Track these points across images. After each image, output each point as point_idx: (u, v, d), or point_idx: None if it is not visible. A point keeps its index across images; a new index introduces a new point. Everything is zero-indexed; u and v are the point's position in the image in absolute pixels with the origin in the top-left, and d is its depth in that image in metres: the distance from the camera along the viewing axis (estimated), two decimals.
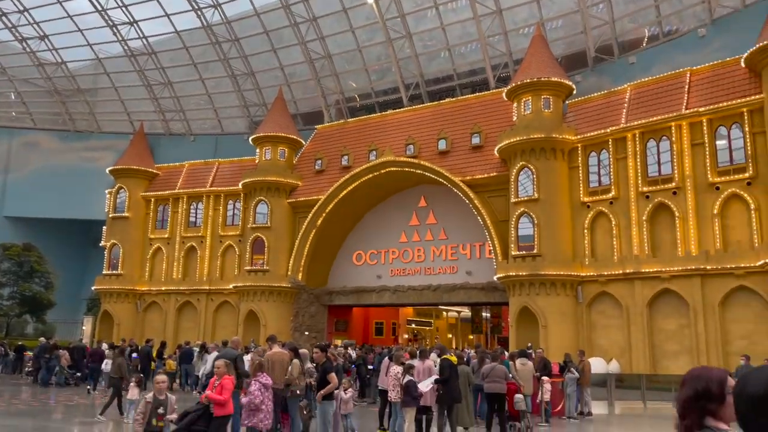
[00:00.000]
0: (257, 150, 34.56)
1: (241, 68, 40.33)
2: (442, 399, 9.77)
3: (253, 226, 33.24)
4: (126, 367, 14.68)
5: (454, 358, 10.16)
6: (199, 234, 35.76)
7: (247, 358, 10.15)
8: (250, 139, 35.21)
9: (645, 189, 24.42)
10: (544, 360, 14.20)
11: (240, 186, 34.26)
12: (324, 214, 32.08)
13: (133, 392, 12.88)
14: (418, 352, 11.14)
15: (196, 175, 37.11)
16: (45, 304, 40.84)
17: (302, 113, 41.15)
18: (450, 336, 42.47)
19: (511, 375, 12.08)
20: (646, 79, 26.22)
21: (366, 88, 39.10)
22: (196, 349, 22.41)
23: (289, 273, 32.33)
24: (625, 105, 25.80)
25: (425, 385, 9.80)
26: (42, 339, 25.91)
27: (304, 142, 35.30)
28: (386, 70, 38.51)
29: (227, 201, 35.65)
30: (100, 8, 38.73)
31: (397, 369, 10.17)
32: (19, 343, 30.60)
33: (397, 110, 34.52)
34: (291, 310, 32.75)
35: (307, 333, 32.01)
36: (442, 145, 30.28)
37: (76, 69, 44.29)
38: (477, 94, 32.67)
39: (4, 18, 40.31)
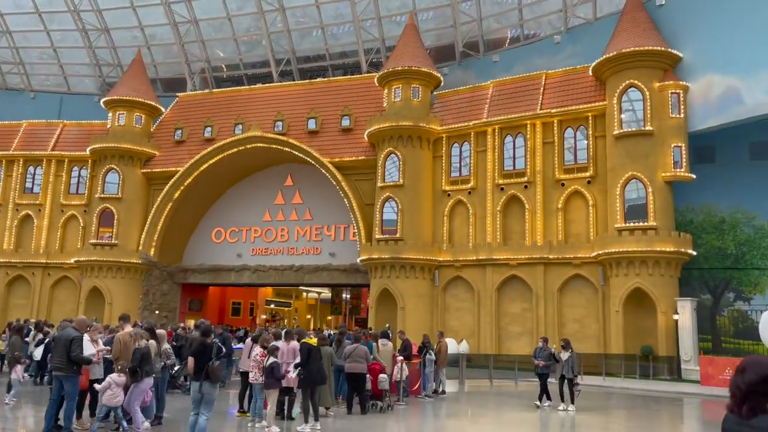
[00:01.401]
0: (110, 114, 31.88)
1: (94, 23, 36.78)
2: (304, 382, 9.68)
3: (102, 196, 30.71)
4: None
5: (313, 341, 10.10)
6: (37, 202, 32.34)
7: (84, 339, 9.26)
8: (102, 101, 32.38)
9: (500, 181, 25.97)
10: (406, 342, 14.61)
11: (88, 152, 31.45)
12: (182, 188, 30.48)
13: None
14: (283, 333, 10.91)
15: (36, 136, 33.45)
16: None
17: (163, 78, 38.53)
18: (309, 317, 42.53)
19: (372, 356, 12.27)
20: (507, 77, 27.78)
21: (234, 59, 37.49)
22: (31, 329, 20.26)
23: (140, 248, 30.36)
24: (488, 101, 27.18)
25: (293, 369, 9.67)
26: None
27: (163, 110, 33.16)
28: (256, 42, 37.16)
29: (71, 167, 32.57)
30: None
31: (258, 351, 9.87)
32: None
33: (266, 85, 33.56)
34: (141, 287, 30.83)
35: (158, 312, 30.35)
36: (311, 124, 29.95)
37: None
38: (349, 76, 32.67)
39: None
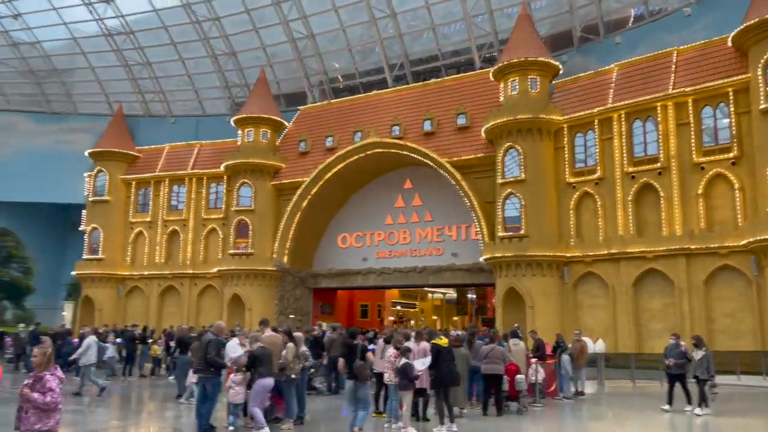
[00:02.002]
0: (239, 132, 34.01)
1: (222, 48, 39.54)
2: (436, 383, 9.68)
3: (237, 209, 32.82)
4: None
5: (443, 342, 10.06)
6: (182, 217, 35.24)
7: (233, 342, 9.91)
8: (231, 120, 34.63)
9: (630, 169, 24.45)
10: (539, 341, 14.17)
11: (222, 168, 33.75)
12: (309, 197, 31.75)
13: None
14: (413, 334, 11.00)
15: (177, 158, 36.47)
16: (24, 290, 40.10)
17: (285, 94, 40.55)
18: (435, 318, 42.64)
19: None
20: (632, 59, 26.14)
21: (350, 69, 38.59)
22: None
23: (274, 256, 32.04)
24: (612, 85, 25.73)
25: (421, 363, 9.66)
26: (21, 325, 25.42)
27: (287, 124, 34.82)
28: (370, 50, 38.01)
29: (210, 184, 35.12)
30: None
31: (391, 352, 10.01)
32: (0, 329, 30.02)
33: (381, 91, 34.14)
34: (276, 293, 32.51)
35: (292, 316, 31.83)
36: (427, 126, 30.03)
37: (52, 49, 43.06)
38: (462, 74, 32.39)
39: None
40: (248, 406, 9.69)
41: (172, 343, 20.50)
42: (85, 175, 37.36)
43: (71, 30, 40.93)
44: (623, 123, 24.73)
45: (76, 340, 21.16)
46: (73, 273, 36.76)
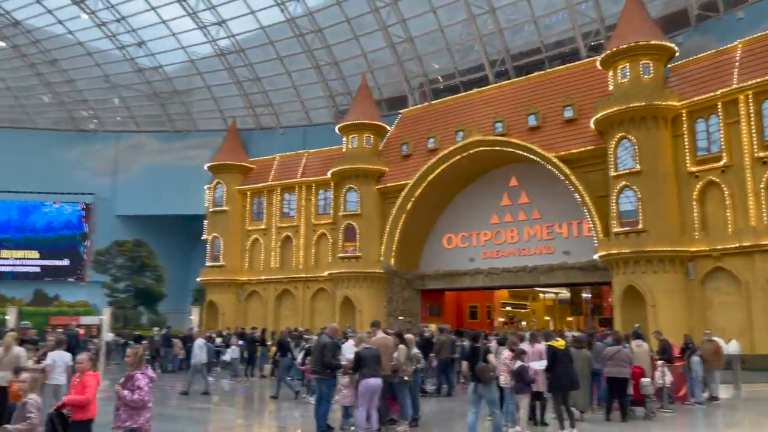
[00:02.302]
0: (344, 138, 34.87)
1: (324, 58, 40.78)
2: (552, 386, 9.34)
3: (344, 213, 33.64)
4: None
5: (560, 344, 9.67)
6: (294, 224, 36.67)
7: (349, 344, 10.13)
8: (336, 128, 35.57)
9: (761, 154, 22.42)
10: (665, 342, 13.29)
11: (329, 175, 34.74)
12: (413, 199, 31.90)
13: None
14: (528, 336, 10.71)
15: (287, 167, 38.01)
16: (156, 296, 43.45)
17: (386, 99, 41.08)
18: (547, 318, 41.30)
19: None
20: (758, 34, 23.95)
21: (449, 69, 38.40)
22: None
23: (381, 259, 32.49)
24: (736, 64, 23.71)
25: (538, 365, 9.37)
26: (155, 329, 27.53)
27: (389, 128, 35.24)
28: (469, 48, 37.62)
29: (318, 190, 36.29)
30: (191, 11, 40.31)
31: (506, 354, 9.80)
32: (136, 332, 32.70)
33: (482, 88, 33.65)
34: (384, 295, 32.93)
35: (401, 318, 32.10)
36: (532, 120, 29.21)
37: (172, 72, 46.46)
38: (567, 65, 31.21)
39: (104, 27, 42.87)
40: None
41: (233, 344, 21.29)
42: (205, 187, 39.90)
43: (188, 53, 43.94)
44: (751, 104, 22.72)
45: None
46: (198, 279, 39.36)
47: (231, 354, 21.29)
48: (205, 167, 39.79)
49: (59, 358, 10.77)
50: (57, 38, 44.48)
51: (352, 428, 9.93)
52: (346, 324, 27.45)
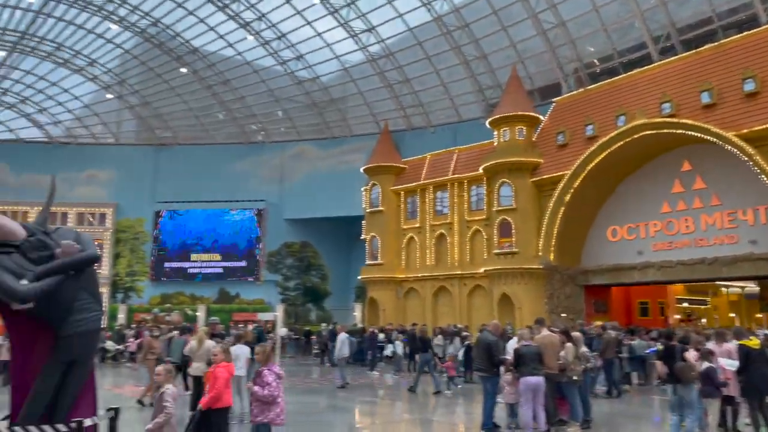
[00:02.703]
0: (495, 132, 34.27)
1: (472, 53, 40.44)
2: (746, 390, 8.35)
3: (498, 209, 33.07)
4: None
5: (755, 342, 8.60)
6: (447, 221, 36.82)
7: (513, 342, 9.92)
8: (487, 122, 35.09)
9: None
10: None
11: (481, 170, 34.36)
12: (571, 190, 30.45)
13: None
14: (713, 334, 9.73)
15: (439, 165, 38.26)
16: (322, 294, 46.14)
17: (538, 88, 39.71)
18: (732, 315, 37.24)
19: None
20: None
21: (606, 50, 36.12)
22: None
23: (539, 254, 31.44)
24: None
25: (729, 364, 8.45)
26: (323, 324, 29.21)
27: (542, 118, 33.99)
28: (629, 26, 35.08)
29: (470, 186, 36.06)
30: (342, 21, 42.19)
31: (692, 354, 8.97)
32: (306, 328, 34.96)
33: (645, 68, 31.17)
34: (544, 291, 31.82)
35: (564, 315, 30.80)
36: (705, 98, 26.46)
37: (328, 81, 48.99)
38: (745, 33, 27.85)
39: (267, 46, 46.38)
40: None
41: (396, 339, 21.42)
42: (362, 189, 41.52)
43: (342, 62, 46.05)
44: None
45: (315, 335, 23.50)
46: (359, 277, 41.09)
47: (394, 349, 21.94)
48: (361, 170, 41.38)
49: (240, 351, 11.83)
50: (228, 60, 48.94)
51: (519, 427, 9.73)
52: (506, 321, 26.98)
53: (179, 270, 53.56)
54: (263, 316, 43.37)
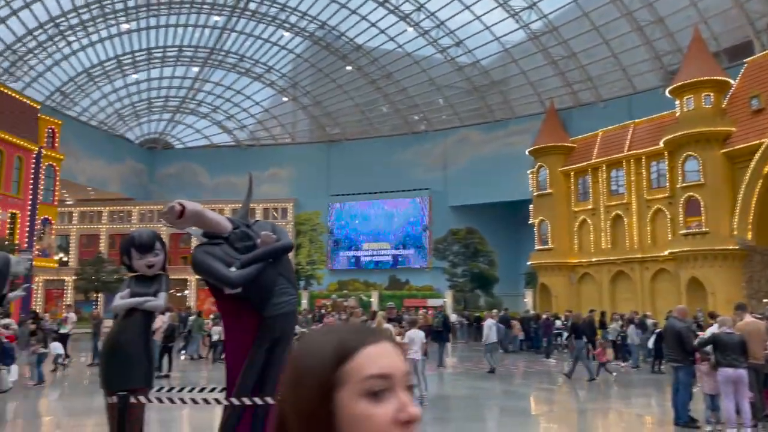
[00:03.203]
0: (676, 102, 31.31)
1: (647, 18, 37.26)
2: None
3: (683, 185, 30.24)
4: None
5: None
6: (623, 201, 34.50)
7: (712, 329, 9.04)
8: (666, 91, 32.16)
9: None
10: None
11: (661, 144, 31.63)
12: None
13: None
14: None
15: (612, 142, 35.92)
16: (490, 280, 45.80)
17: (725, 49, 35.49)
18: None
19: None
20: None
21: None
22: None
23: (734, 233, 28.22)
24: None
25: None
26: (494, 311, 29.02)
27: (732, 82, 30.36)
28: None
29: (649, 163, 33.40)
30: (501, 1, 41.20)
31: None
32: (476, 314, 34.99)
33: None
34: (742, 275, 28.54)
35: (765, 300, 27.37)
36: None
37: (488, 64, 48.27)
38: None
39: (426, 35, 46.86)
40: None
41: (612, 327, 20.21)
42: (528, 172, 40.39)
43: (502, 43, 45.04)
44: None
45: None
46: (529, 263, 40.12)
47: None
48: (527, 152, 40.26)
49: (415, 335, 12.19)
50: (389, 54, 50.32)
51: (720, 422, 8.88)
52: (696, 308, 24.68)
53: (352, 258, 56.51)
54: (432, 302, 44.23)
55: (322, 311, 34.76)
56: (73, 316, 20.46)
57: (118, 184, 58.40)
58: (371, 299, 47.15)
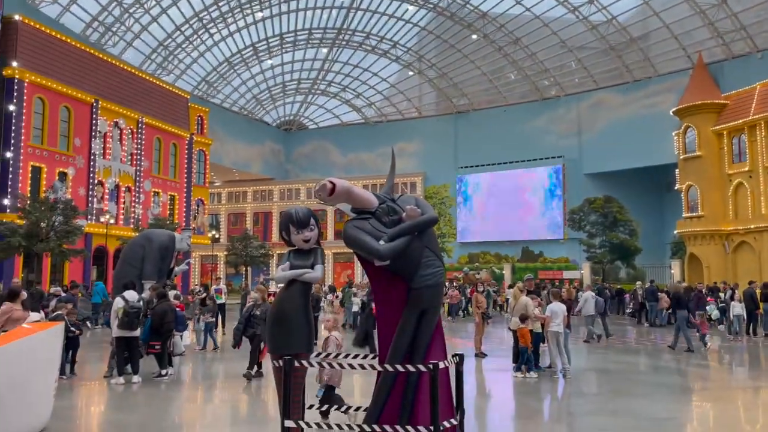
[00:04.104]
0: None
1: None
2: None
3: None
4: None
5: None
6: None
7: None
8: None
9: None
10: None
11: None
12: None
13: None
14: None
15: None
16: (632, 251, 43.35)
17: None
18: None
19: None
20: None
21: None
22: None
23: None
24: None
25: None
26: (638, 283, 27.58)
27: None
28: None
29: None
30: None
31: None
32: (618, 286, 33.42)
33: None
34: None
35: None
36: None
37: (626, 20, 45.02)
38: None
39: None
40: None
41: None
42: (673, 134, 37.46)
43: None
44: None
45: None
46: (675, 232, 37.43)
47: (732, 311, 19.91)
48: (671, 112, 37.32)
49: (558, 308, 11.95)
50: (516, 18, 48.58)
51: None
52: None
53: (483, 231, 56.03)
54: (568, 275, 42.79)
55: (454, 284, 34.97)
56: (224, 288, 22.41)
57: (259, 165, 62.30)
58: (503, 272, 46.63)
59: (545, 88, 54.02)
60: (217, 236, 52.48)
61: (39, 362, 5.81)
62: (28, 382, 6.64)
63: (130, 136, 38.51)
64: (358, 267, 50.81)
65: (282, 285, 6.00)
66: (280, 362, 5.53)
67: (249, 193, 60.03)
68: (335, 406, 6.50)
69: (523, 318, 11.88)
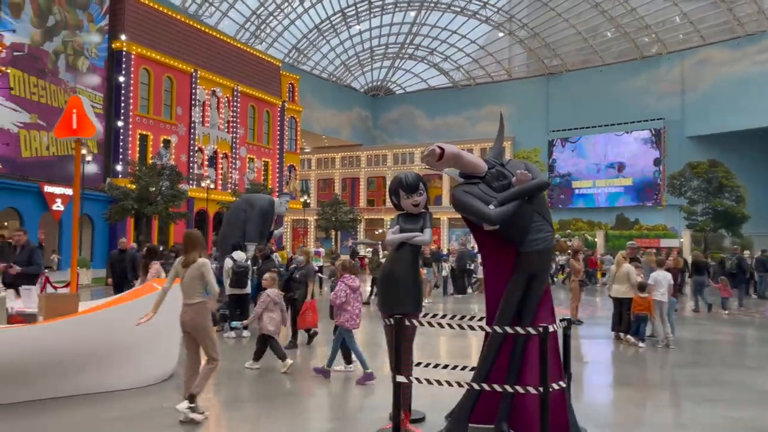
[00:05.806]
0: None
1: None
2: None
3: None
4: None
5: None
6: None
7: None
8: None
9: None
10: None
11: None
12: None
13: None
14: None
15: None
16: (738, 218, 40.70)
17: None
18: None
19: None
20: None
21: None
22: None
23: None
24: None
25: None
26: (746, 252, 26.01)
27: None
28: None
29: None
30: None
31: None
32: (722, 255, 31.55)
33: None
34: None
35: None
36: None
37: None
38: None
39: None
40: None
41: None
42: None
43: None
44: None
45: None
46: None
47: None
48: None
49: (662, 277, 11.55)
50: None
51: None
52: None
53: (575, 196, 54.32)
54: (666, 243, 40.83)
55: None
56: (322, 251, 23.17)
57: (348, 131, 63.18)
58: (596, 239, 45.20)
59: (645, 46, 50.97)
60: (307, 201, 54.13)
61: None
62: (160, 333, 7.30)
63: (227, 104, 40.09)
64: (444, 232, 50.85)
65: (392, 247, 6.20)
66: (391, 320, 5.76)
67: (337, 159, 61.16)
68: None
69: (642, 287, 11.60)
